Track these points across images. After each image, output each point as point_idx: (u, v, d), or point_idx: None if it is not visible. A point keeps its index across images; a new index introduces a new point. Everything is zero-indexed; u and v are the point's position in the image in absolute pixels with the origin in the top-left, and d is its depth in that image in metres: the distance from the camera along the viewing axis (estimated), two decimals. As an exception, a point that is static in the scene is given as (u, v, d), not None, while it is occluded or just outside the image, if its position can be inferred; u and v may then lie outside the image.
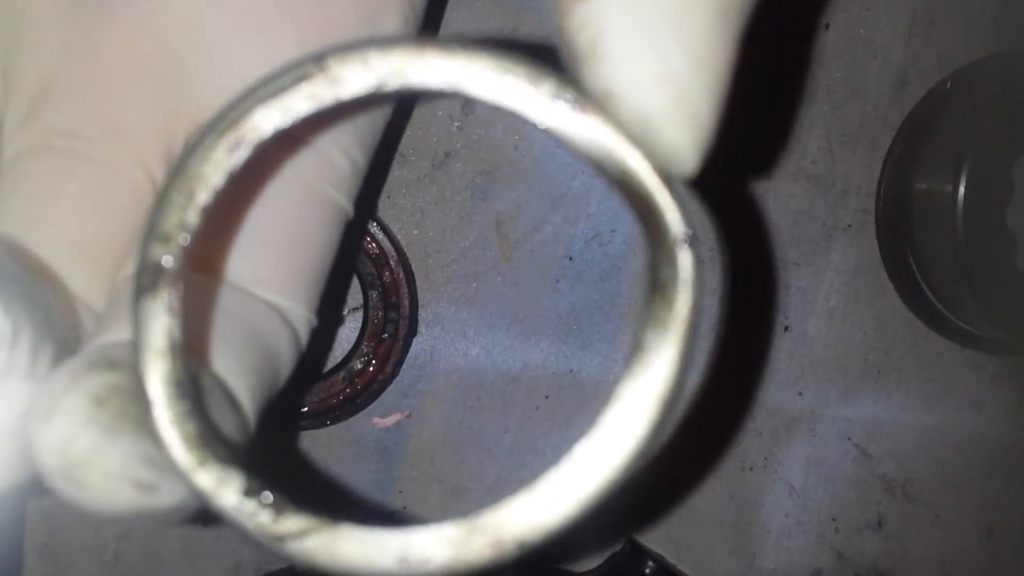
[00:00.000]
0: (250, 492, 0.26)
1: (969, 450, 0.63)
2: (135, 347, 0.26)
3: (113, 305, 0.34)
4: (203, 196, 0.26)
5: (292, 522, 0.25)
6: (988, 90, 0.55)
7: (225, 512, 0.26)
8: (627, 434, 0.25)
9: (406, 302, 0.54)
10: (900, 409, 0.62)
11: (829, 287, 0.60)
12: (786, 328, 0.59)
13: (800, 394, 0.60)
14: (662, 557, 0.58)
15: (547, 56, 0.26)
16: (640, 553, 0.57)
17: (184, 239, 0.26)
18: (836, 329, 0.60)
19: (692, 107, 0.25)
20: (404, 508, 0.56)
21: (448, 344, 0.56)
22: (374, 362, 0.54)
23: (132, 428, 0.28)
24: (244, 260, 0.36)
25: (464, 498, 0.57)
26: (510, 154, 0.55)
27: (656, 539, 0.59)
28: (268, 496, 0.26)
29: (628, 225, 0.56)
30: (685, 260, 0.25)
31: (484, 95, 0.25)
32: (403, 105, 0.52)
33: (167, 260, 0.26)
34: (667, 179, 0.25)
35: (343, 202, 0.39)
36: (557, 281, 0.56)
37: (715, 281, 0.57)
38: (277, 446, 0.54)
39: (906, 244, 0.58)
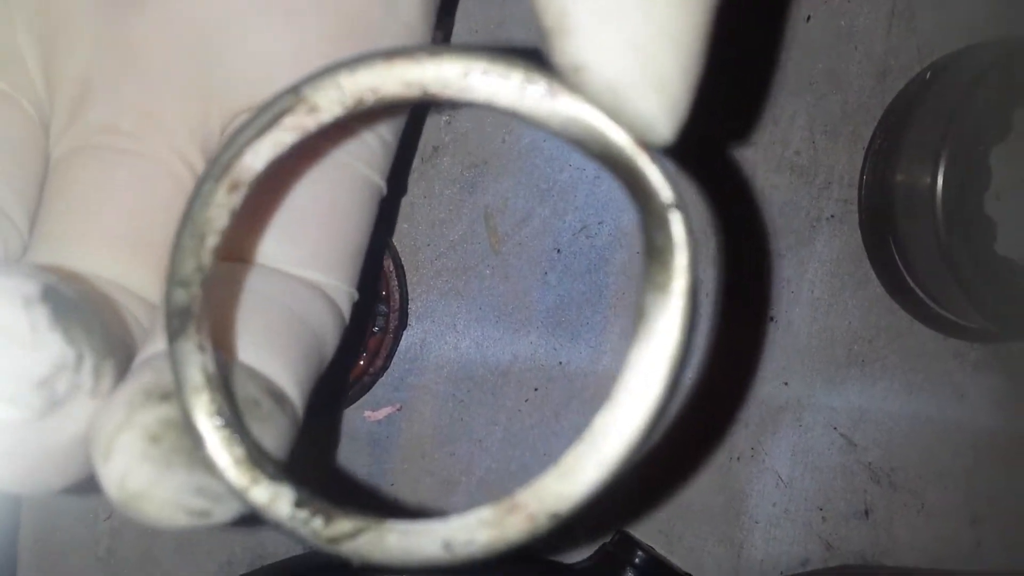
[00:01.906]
0: (301, 503, 0.27)
1: (953, 438, 0.64)
2: (177, 386, 0.28)
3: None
4: (212, 239, 0.28)
5: (342, 524, 0.27)
6: (966, 79, 0.55)
7: (281, 523, 0.28)
8: (641, 398, 0.26)
9: (396, 295, 0.54)
10: (885, 398, 0.62)
11: (813, 277, 0.60)
12: (771, 318, 0.60)
13: (786, 384, 0.61)
14: (651, 548, 0.58)
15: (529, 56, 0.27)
16: (629, 544, 0.58)
17: (203, 280, 0.28)
18: (821, 319, 0.61)
19: (660, 74, 0.25)
20: (396, 501, 0.56)
21: (438, 337, 0.56)
22: (364, 355, 0.54)
23: (185, 461, 0.29)
24: (284, 243, 0.37)
25: (455, 490, 0.57)
26: (498, 147, 0.55)
27: (645, 530, 0.60)
28: (317, 504, 0.28)
29: (615, 216, 0.57)
30: (676, 222, 0.26)
31: (457, 96, 0.26)
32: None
33: (191, 302, 0.28)
34: (647, 148, 0.26)
35: (376, 179, 0.40)
36: (546, 273, 0.56)
37: (707, 270, 0.58)
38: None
39: (888, 233, 0.59)
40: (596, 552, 0.58)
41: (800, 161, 0.59)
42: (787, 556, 0.62)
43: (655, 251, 0.26)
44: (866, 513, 0.63)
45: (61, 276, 0.31)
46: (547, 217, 0.56)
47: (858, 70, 0.60)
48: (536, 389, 0.57)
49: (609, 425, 0.26)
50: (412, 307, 0.56)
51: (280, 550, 0.55)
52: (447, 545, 0.27)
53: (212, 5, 0.37)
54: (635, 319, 0.26)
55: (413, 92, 0.26)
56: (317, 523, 0.27)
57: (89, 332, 0.30)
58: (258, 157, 0.27)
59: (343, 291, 0.39)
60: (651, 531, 0.60)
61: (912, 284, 0.60)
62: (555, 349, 0.57)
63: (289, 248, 0.37)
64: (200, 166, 0.38)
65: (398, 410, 0.56)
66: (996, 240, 0.56)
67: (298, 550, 0.55)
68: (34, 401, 0.28)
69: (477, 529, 0.27)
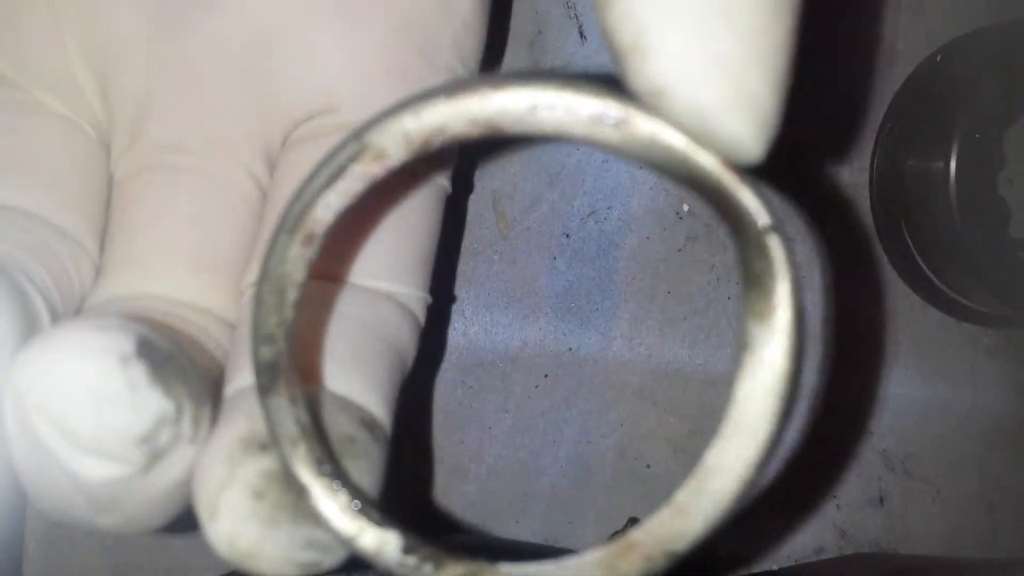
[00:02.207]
0: (409, 549, 0.27)
1: (967, 424, 0.64)
2: (274, 441, 0.28)
3: (242, 335, 0.35)
4: (292, 293, 0.27)
5: (453, 569, 0.27)
6: (977, 62, 0.55)
7: (391, 570, 0.28)
8: (753, 434, 0.25)
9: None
10: (898, 384, 0.62)
11: (825, 262, 0.60)
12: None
13: (798, 370, 0.60)
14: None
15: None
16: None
17: (288, 334, 0.28)
18: (832, 305, 0.60)
19: (750, 93, 0.23)
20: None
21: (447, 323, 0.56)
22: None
23: (290, 516, 0.29)
24: (361, 258, 0.37)
25: (465, 478, 0.57)
26: (505, 132, 0.55)
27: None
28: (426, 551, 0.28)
29: (624, 201, 0.57)
30: (776, 248, 0.25)
31: (527, 131, 0.25)
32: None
33: (278, 358, 0.28)
34: (737, 169, 0.24)
35: (442, 180, 0.40)
36: (554, 259, 0.56)
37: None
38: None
39: (900, 218, 0.58)
40: (608, 539, 0.58)
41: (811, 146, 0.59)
42: (801, 544, 0.62)
43: (754, 277, 0.25)
44: (880, 501, 0.63)
45: (155, 327, 0.31)
46: (556, 202, 0.56)
47: (867, 54, 0.59)
48: (546, 375, 0.57)
49: (722, 462, 0.26)
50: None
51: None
52: None
53: (267, 15, 0.37)
54: (740, 348, 0.26)
55: (481, 130, 0.25)
56: (427, 569, 0.27)
57: (186, 382, 0.30)
58: (328, 209, 0.27)
59: (417, 298, 0.39)
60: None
61: (925, 269, 0.59)
62: (565, 335, 0.57)
63: (365, 262, 0.37)
64: (265, 179, 0.38)
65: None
66: (1010, 222, 0.56)
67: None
68: (137, 457, 0.28)
69: (592, 571, 0.27)
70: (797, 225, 0.59)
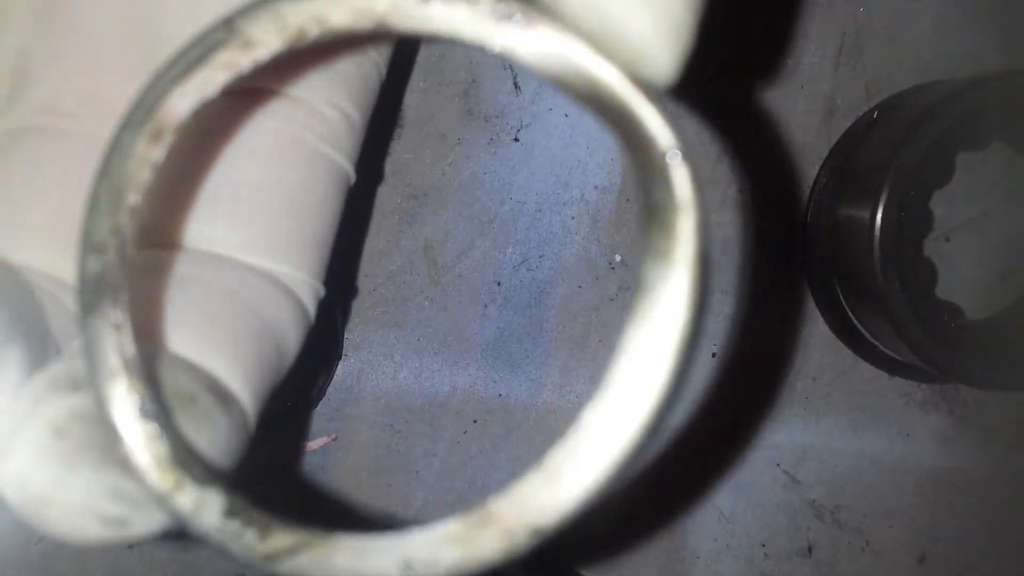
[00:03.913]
0: (232, 512, 0.24)
1: (898, 476, 0.64)
2: (90, 370, 0.24)
3: None
4: (132, 197, 0.24)
5: (280, 538, 0.23)
6: (910, 120, 0.55)
7: (207, 535, 0.24)
8: (643, 389, 0.22)
9: (331, 325, 0.54)
10: (829, 435, 0.62)
11: (757, 314, 0.60)
12: (713, 355, 0.60)
13: (728, 419, 0.60)
14: (591, 582, 0.58)
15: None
16: (569, 577, 0.57)
17: (120, 245, 0.24)
18: (764, 356, 0.61)
19: None
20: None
21: (375, 367, 0.56)
22: (300, 385, 0.54)
23: (96, 460, 0.25)
24: (230, 225, 0.34)
25: (391, 522, 0.57)
26: (438, 179, 0.55)
27: (587, 563, 0.60)
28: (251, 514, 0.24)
29: (556, 251, 0.57)
30: (680, 175, 0.22)
31: (417, 28, 0.23)
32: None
33: (106, 271, 0.24)
34: (643, 85, 0.22)
35: (339, 159, 0.36)
36: (486, 306, 0.56)
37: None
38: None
39: (832, 273, 0.59)
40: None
41: (745, 199, 0.59)
42: (730, 592, 0.62)
43: (655, 210, 0.22)
44: (809, 550, 0.63)
45: None
46: (488, 250, 0.56)
47: (805, 108, 0.59)
48: (475, 421, 0.57)
49: (604, 420, 0.22)
50: (349, 337, 0.55)
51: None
52: (407, 565, 0.23)
53: None
54: (635, 293, 0.22)
55: (365, 23, 0.23)
56: (250, 536, 0.23)
57: None
58: (184, 99, 0.24)
59: (305, 283, 0.35)
60: (592, 564, 0.60)
61: (856, 323, 0.59)
62: (495, 382, 0.57)
63: (235, 231, 0.34)
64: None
65: (333, 440, 0.56)
66: (936, 284, 0.56)
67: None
68: None
69: (442, 546, 0.23)
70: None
